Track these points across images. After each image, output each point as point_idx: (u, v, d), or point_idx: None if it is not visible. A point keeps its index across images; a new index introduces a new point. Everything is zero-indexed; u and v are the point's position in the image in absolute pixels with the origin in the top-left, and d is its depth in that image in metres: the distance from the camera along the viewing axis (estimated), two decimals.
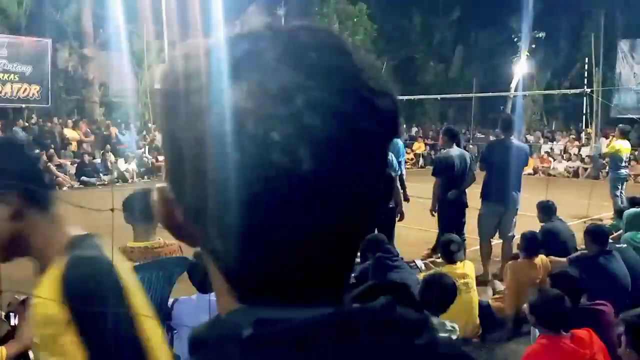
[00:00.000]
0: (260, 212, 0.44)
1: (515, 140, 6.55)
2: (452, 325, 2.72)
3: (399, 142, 8.39)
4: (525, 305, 4.46)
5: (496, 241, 7.20)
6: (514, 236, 6.41)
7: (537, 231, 5.68)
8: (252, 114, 0.43)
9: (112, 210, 3.19)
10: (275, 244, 0.45)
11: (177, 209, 0.50)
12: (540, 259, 5.03)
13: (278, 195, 0.43)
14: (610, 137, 12.04)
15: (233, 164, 0.43)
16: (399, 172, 7.17)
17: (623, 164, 10.30)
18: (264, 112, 0.43)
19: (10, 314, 3.07)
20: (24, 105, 18.23)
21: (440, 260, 6.04)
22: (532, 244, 5.05)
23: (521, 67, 24.19)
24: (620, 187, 10.24)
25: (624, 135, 10.52)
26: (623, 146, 10.26)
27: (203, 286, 3.38)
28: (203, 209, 0.46)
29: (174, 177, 0.48)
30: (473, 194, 6.75)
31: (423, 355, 0.49)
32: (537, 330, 4.15)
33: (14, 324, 3.03)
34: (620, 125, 10.97)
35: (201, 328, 0.49)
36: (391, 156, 6.12)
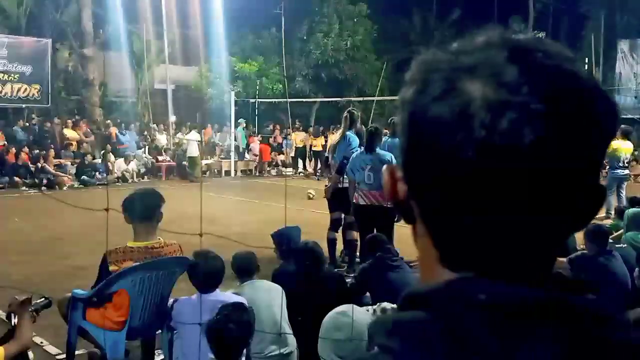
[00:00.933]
0: (480, 187, 0.49)
1: None
2: None
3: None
4: None
5: None
6: None
7: None
8: (484, 100, 0.49)
9: (106, 210, 3.19)
10: (490, 218, 0.50)
11: (402, 186, 0.57)
12: None
13: (498, 173, 0.49)
14: None
15: (461, 144, 0.49)
16: None
17: (620, 164, 10.29)
18: (495, 99, 0.49)
19: (11, 314, 3.06)
20: (24, 105, 18.25)
21: None
22: None
23: None
24: (615, 187, 10.23)
25: (625, 135, 10.52)
26: (621, 146, 10.26)
27: (203, 286, 3.37)
28: (429, 185, 0.52)
29: (407, 156, 0.55)
30: None
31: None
32: None
33: (14, 324, 3.02)
34: (623, 125, 10.96)
35: (422, 288, 0.54)
36: (391, 157, 6.14)
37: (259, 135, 20.52)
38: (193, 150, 16.47)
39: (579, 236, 5.62)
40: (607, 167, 10.52)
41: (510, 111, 0.48)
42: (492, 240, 0.52)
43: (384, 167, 0.60)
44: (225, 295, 3.37)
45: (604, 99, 0.52)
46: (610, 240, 5.29)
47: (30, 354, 3.15)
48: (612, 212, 9.52)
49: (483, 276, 0.52)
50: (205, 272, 3.35)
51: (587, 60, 21.46)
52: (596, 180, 0.53)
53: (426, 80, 0.53)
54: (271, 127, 21.63)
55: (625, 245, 5.49)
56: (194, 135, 17.10)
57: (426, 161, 0.52)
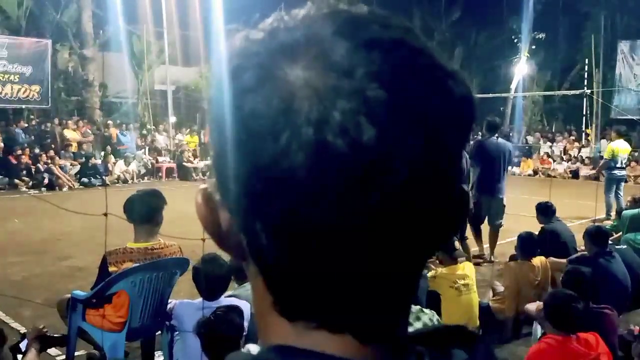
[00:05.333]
0: (318, 209, 0.38)
1: (499, 139, 7.25)
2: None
3: None
4: (526, 306, 4.47)
5: (499, 241, 7.22)
6: (501, 224, 7.07)
7: (536, 232, 5.67)
8: (309, 89, 0.38)
9: (105, 215, 3.19)
10: (328, 243, 0.39)
11: (223, 212, 0.44)
12: (540, 260, 5.03)
13: (335, 181, 0.37)
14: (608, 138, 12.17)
15: (286, 148, 0.37)
16: None
17: (618, 165, 10.30)
18: (322, 86, 0.38)
19: (23, 341, 3.03)
20: (24, 106, 18.23)
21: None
22: (527, 245, 5.02)
23: (521, 68, 24.18)
24: (614, 189, 10.23)
25: (620, 135, 10.56)
26: (619, 147, 10.29)
27: (206, 293, 3.35)
28: (250, 205, 0.40)
29: (221, 174, 0.43)
30: None
31: None
32: (538, 330, 4.15)
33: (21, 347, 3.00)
34: (615, 126, 11.01)
35: (236, 355, 0.46)
36: None
37: None
38: None
39: (579, 237, 5.63)
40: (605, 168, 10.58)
41: (342, 100, 0.37)
42: (340, 280, 0.40)
43: (197, 191, 0.46)
44: (227, 301, 3.35)
45: (458, 81, 0.41)
46: (610, 242, 5.29)
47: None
48: (612, 214, 9.54)
49: (325, 326, 0.42)
50: (209, 279, 3.33)
51: (587, 61, 21.46)
52: (458, 182, 0.42)
53: (235, 68, 0.42)
54: None
55: (625, 246, 5.49)
56: None
57: (246, 178, 0.39)
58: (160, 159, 17.52)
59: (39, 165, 14.64)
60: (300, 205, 0.38)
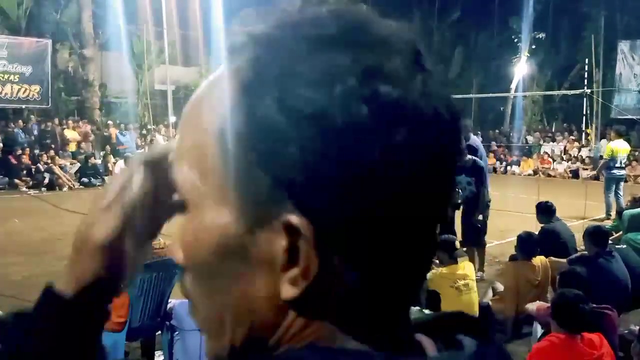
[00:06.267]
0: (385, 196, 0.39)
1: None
2: None
3: None
4: (526, 306, 4.47)
5: (496, 242, 7.22)
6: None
7: (536, 232, 5.67)
8: (370, 73, 0.39)
9: None
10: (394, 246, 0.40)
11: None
12: (540, 260, 5.03)
13: (395, 170, 0.39)
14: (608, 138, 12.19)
15: (345, 137, 0.38)
16: None
17: (617, 165, 10.30)
18: (382, 68, 0.40)
19: None
20: (24, 106, 18.23)
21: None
22: (527, 245, 5.03)
23: (521, 68, 24.18)
24: (613, 189, 10.24)
25: (619, 135, 10.58)
26: (618, 147, 10.30)
27: None
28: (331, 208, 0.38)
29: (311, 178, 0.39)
30: None
31: None
32: (538, 330, 4.15)
33: None
34: (615, 126, 11.02)
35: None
36: None
37: None
38: None
39: (579, 237, 5.63)
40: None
41: (408, 84, 0.41)
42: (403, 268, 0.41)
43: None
44: None
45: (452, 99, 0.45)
46: (610, 242, 5.29)
47: None
48: (612, 214, 9.54)
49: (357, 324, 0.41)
50: None
51: (587, 61, 21.47)
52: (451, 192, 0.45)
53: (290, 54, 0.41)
54: None
55: (625, 246, 5.49)
56: None
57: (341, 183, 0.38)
58: None
59: (39, 165, 14.64)
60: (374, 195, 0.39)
